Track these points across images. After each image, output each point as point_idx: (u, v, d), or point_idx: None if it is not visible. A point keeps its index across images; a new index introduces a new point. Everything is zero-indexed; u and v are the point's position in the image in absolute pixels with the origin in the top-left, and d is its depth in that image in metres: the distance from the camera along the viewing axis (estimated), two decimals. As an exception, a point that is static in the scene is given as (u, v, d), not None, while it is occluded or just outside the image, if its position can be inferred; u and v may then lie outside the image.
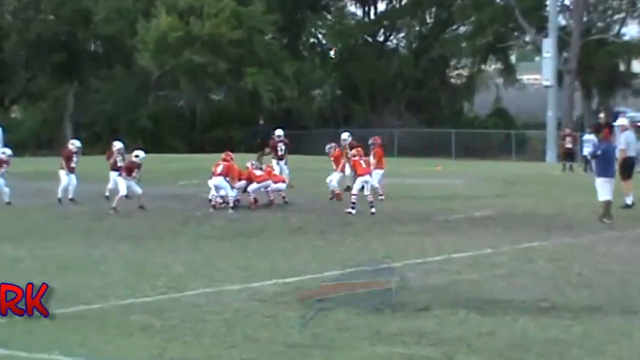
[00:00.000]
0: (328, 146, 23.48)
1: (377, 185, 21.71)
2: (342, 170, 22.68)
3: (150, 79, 55.76)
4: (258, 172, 21.47)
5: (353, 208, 19.55)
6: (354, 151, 21.18)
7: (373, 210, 19.66)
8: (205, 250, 14.70)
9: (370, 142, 22.88)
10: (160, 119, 54.95)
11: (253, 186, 21.20)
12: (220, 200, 20.79)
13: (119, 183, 21.19)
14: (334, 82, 60.81)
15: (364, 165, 20.36)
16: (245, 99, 56.10)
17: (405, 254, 13.84)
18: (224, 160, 21.21)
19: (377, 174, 21.93)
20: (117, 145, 23.27)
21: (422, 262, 13.20)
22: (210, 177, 21.01)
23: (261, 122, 41.12)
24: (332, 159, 23.14)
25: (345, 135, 23.54)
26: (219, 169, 20.78)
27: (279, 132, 26.31)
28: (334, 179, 22.55)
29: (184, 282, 11.62)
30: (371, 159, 21.95)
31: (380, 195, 21.93)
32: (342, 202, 21.32)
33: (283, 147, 25.80)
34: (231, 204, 20.38)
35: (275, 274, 12.12)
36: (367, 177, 20.09)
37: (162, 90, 57.08)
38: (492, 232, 16.80)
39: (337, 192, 22.46)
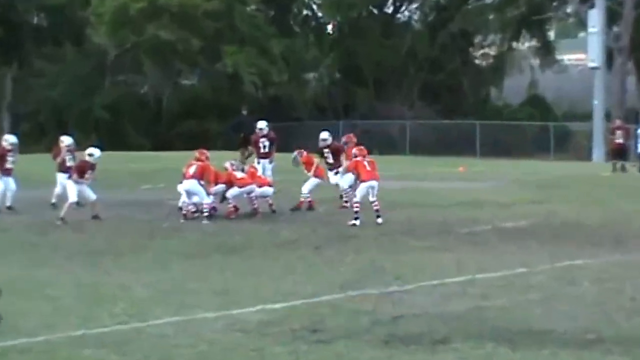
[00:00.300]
0: (293, 155, 23.40)
1: (346, 188, 21.85)
2: (318, 176, 22.66)
3: (107, 60, 55.76)
4: (239, 174, 21.50)
5: (356, 219, 19.61)
6: (356, 150, 21.16)
7: (380, 220, 19.72)
8: (174, 269, 14.71)
9: (343, 140, 22.98)
10: (119, 109, 54.94)
11: (233, 191, 21.23)
12: (193, 209, 20.81)
13: (68, 187, 21.18)
14: (332, 64, 60.83)
15: (368, 168, 20.36)
16: (224, 84, 56.13)
17: (420, 274, 13.88)
18: (198, 159, 21.23)
19: (350, 177, 21.81)
20: (66, 140, 23.33)
21: (440, 284, 13.23)
22: (181, 181, 21.03)
23: (244, 112, 41.34)
24: (302, 167, 23.15)
25: (325, 135, 23.32)
26: (192, 171, 20.80)
27: (261, 124, 26.32)
28: (306, 186, 22.53)
29: (148, 308, 11.64)
30: (343, 160, 22.08)
31: (345, 202, 21.96)
32: (339, 210, 21.39)
33: (267, 144, 25.80)
34: (206, 213, 20.41)
35: (259, 298, 12.14)
36: (373, 182, 20.14)
37: (121, 74, 57.08)
38: (526, 247, 16.83)
39: (302, 200, 22.44)
